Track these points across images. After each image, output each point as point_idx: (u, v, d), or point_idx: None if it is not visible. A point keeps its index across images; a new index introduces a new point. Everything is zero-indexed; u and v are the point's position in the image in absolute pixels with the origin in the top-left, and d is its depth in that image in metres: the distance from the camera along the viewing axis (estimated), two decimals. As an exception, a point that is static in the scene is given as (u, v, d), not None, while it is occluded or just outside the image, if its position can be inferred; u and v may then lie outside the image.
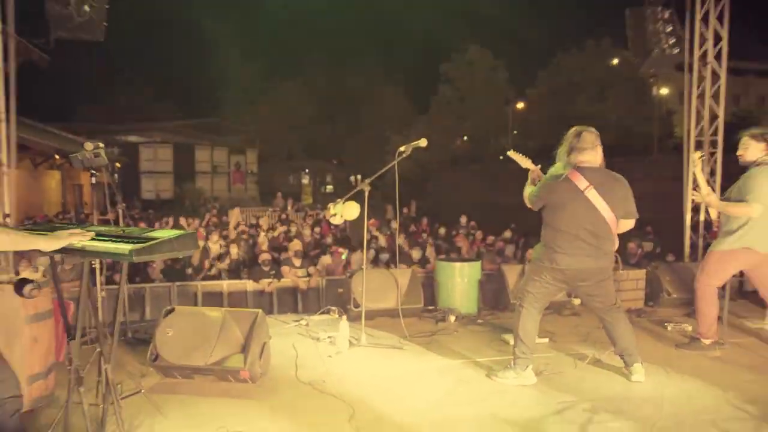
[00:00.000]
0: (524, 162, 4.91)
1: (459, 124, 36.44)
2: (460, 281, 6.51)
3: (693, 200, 8.56)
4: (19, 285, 2.81)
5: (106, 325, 4.42)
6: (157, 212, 21.82)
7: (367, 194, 5.40)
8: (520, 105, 37.22)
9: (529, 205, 4.62)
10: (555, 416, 3.95)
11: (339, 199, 5.53)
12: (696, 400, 4.25)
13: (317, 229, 13.97)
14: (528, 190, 4.67)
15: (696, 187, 5.69)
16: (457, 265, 6.60)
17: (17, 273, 3.86)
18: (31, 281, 2.83)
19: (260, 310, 4.75)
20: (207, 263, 10.49)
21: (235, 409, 4.06)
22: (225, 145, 39.21)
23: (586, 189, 4.28)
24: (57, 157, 19.29)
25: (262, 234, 13.49)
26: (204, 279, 10.07)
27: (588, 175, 4.31)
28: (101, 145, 4.54)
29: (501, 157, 37.46)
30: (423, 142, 5.23)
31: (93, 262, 4.51)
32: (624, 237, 4.73)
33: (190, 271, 10.31)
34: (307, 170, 48.92)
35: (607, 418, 3.91)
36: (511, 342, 5.37)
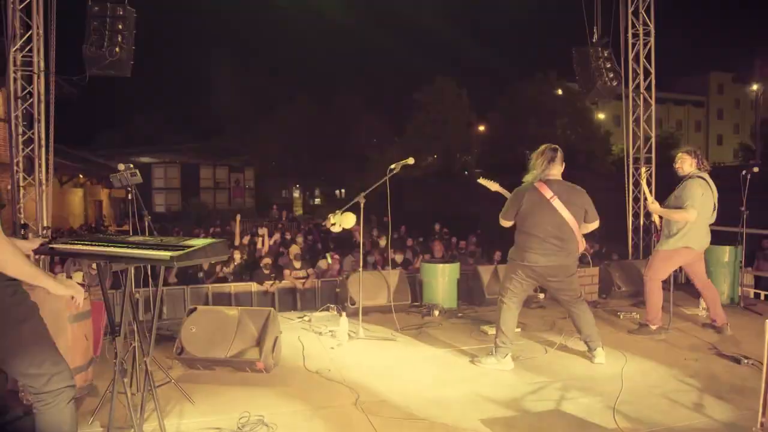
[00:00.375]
0: (493, 186, 4.99)
1: (429, 144, 36.57)
2: (442, 280, 6.51)
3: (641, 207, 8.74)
4: (71, 289, 2.75)
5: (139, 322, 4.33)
6: (169, 224, 21.57)
7: (362, 206, 5.38)
8: (482, 127, 37.52)
9: (503, 223, 4.60)
10: (533, 395, 3.96)
11: (338, 210, 5.50)
12: (648, 376, 4.29)
13: (309, 237, 13.90)
14: (500, 214, 4.66)
15: (646, 198, 5.78)
16: (440, 266, 6.60)
17: (69, 278, 3.77)
18: (81, 284, 2.77)
19: (272, 309, 4.70)
20: (218, 267, 10.36)
21: (253, 396, 3.98)
22: (226, 164, 39.01)
23: (552, 198, 4.33)
24: (81, 176, 19.01)
25: (259, 240, 13.37)
26: (213, 282, 9.94)
27: (553, 187, 4.37)
28: (132, 166, 4.48)
29: (465, 172, 37.78)
30: (410, 161, 5.24)
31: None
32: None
33: (201, 274, 10.18)
34: (297, 185, 48.69)
35: (577, 395, 3.93)
36: (490, 332, 5.41)
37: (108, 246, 2.82)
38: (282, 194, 46.11)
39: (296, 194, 48.82)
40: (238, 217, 15.73)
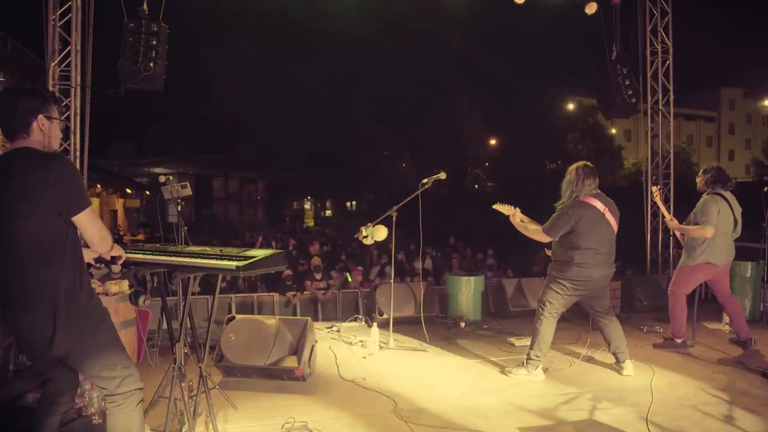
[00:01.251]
0: (507, 210, 4.90)
1: (440, 157, 36.73)
2: (467, 292, 6.62)
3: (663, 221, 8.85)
4: (135, 295, 2.90)
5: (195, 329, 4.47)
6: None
7: (394, 219, 5.51)
8: (493, 141, 37.65)
9: (547, 237, 4.57)
10: (565, 405, 4.06)
11: (370, 223, 5.63)
12: (678, 389, 4.38)
13: (325, 247, 14.05)
14: (531, 227, 4.71)
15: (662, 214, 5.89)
16: (465, 278, 6.72)
17: (131, 286, 3.92)
18: (144, 292, 2.91)
19: (309, 318, 4.83)
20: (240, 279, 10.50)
21: (294, 403, 4.11)
22: (238, 176, 39.32)
23: (605, 212, 4.48)
24: (98, 186, 19.28)
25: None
26: (236, 292, 10.08)
27: (602, 200, 4.51)
28: (171, 177, 4.65)
29: (476, 186, 37.88)
30: (443, 175, 5.38)
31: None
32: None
33: (224, 284, 10.34)
34: (309, 197, 48.92)
35: (608, 405, 4.03)
36: (517, 344, 5.52)
37: (170, 256, 2.97)
38: (293, 206, 46.34)
39: (307, 206, 49.04)
40: (260, 238, 15.99)
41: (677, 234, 5.69)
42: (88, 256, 2.90)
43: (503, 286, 6.91)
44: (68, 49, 6.77)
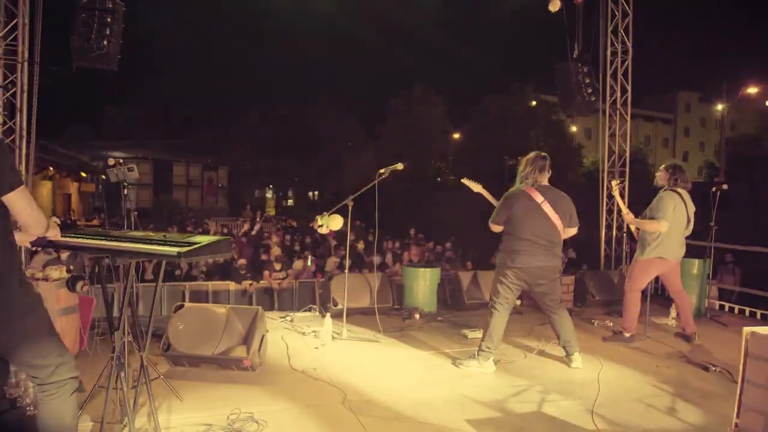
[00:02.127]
0: (476, 187, 5.10)
1: (404, 150, 36.74)
2: (423, 284, 6.61)
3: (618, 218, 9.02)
4: (73, 281, 2.76)
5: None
6: (140, 220, 21.21)
7: (350, 209, 5.45)
8: (457, 135, 37.86)
9: (493, 228, 4.69)
10: (514, 397, 4.08)
11: (325, 212, 5.55)
12: (624, 382, 4.46)
13: (287, 237, 13.88)
14: (490, 219, 4.76)
15: (619, 209, 5.99)
16: (421, 270, 6.71)
17: (69, 271, 3.74)
18: (83, 278, 2.78)
19: (260, 308, 4.74)
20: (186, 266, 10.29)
21: (241, 394, 4.02)
22: (199, 162, 38.55)
23: (542, 203, 4.50)
24: (51, 168, 18.60)
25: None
26: (185, 280, 9.87)
27: (543, 192, 4.53)
28: (121, 161, 4.47)
29: (438, 179, 38.04)
30: (400, 166, 5.34)
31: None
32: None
33: (178, 272, 10.11)
34: (271, 186, 48.31)
35: (557, 398, 4.07)
36: (470, 336, 5.54)
37: (111, 240, 2.84)
38: (255, 194, 45.70)
39: (269, 195, 48.46)
40: (212, 222, 15.67)
41: (632, 228, 5.79)
42: (23, 239, 2.75)
43: (459, 279, 6.93)
44: (15, 21, 6.44)
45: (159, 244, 2.68)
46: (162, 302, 8.66)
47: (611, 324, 6.18)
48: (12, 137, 6.48)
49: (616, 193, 6.55)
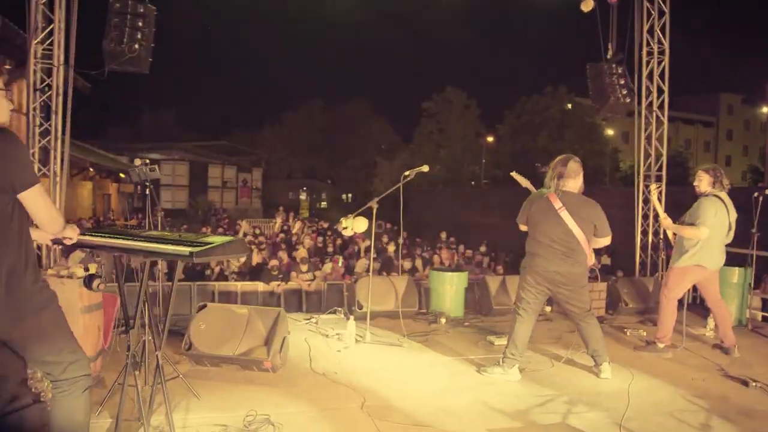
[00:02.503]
0: (524, 182, 5.02)
1: (437, 152, 36.58)
2: (450, 288, 6.50)
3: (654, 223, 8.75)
4: (89, 280, 2.76)
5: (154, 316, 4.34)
6: (176, 220, 21.63)
7: (375, 211, 5.38)
8: (490, 138, 37.50)
9: (519, 225, 4.62)
10: (539, 407, 3.95)
11: (350, 214, 5.50)
12: (655, 394, 4.27)
13: (320, 239, 13.92)
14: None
15: (656, 214, 5.78)
16: (448, 274, 6.59)
17: (86, 269, 3.78)
18: (99, 276, 2.78)
19: (282, 309, 4.71)
20: (225, 266, 10.39)
21: (259, 396, 3.99)
22: (234, 164, 39.09)
23: (560, 209, 4.35)
24: (91, 169, 19.10)
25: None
26: (218, 280, 9.97)
27: (564, 198, 4.38)
28: (148, 161, 4.51)
29: (473, 183, 37.72)
30: (425, 168, 5.27)
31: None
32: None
33: (208, 272, 10.21)
34: (304, 188, 48.73)
35: (583, 409, 3.92)
36: (496, 342, 5.40)
37: (127, 239, 2.83)
38: (289, 196, 46.13)
39: (303, 197, 48.86)
40: (245, 222, 15.84)
41: (669, 234, 5.57)
42: (43, 237, 2.76)
43: (487, 283, 6.79)
44: (51, 27, 6.59)
45: (173, 244, 2.66)
46: (191, 301, 8.76)
47: (644, 333, 5.95)
48: (48, 138, 6.65)
49: (654, 197, 6.32)
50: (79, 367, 2.49)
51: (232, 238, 2.76)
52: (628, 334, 6.04)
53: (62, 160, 6.59)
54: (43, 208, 2.43)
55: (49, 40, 6.61)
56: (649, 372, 4.74)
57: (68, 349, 2.49)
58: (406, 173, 5.29)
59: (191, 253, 2.52)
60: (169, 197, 33.88)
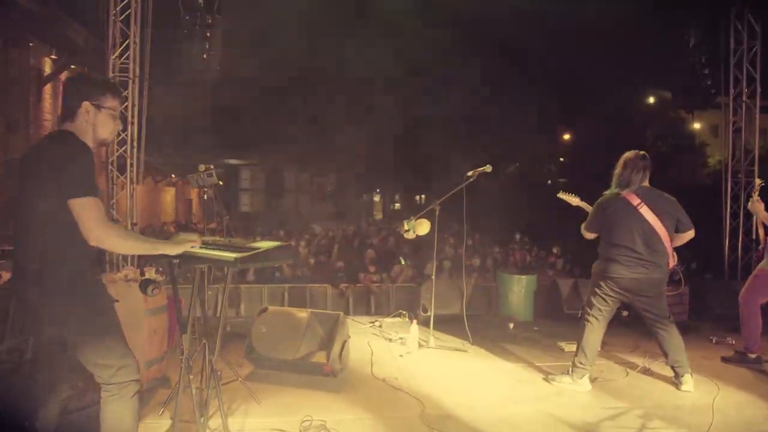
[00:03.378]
0: (573, 201, 4.77)
1: (512, 152, 35.72)
2: (518, 291, 6.26)
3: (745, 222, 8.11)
4: (144, 285, 2.81)
5: (208, 320, 4.42)
6: (253, 223, 22.29)
7: (437, 213, 5.25)
8: (567, 136, 36.24)
9: (586, 235, 4.37)
10: (610, 421, 3.67)
11: (412, 217, 5.39)
12: (745, 411, 3.88)
13: (392, 239, 13.90)
14: (583, 225, 4.44)
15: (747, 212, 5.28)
16: (516, 277, 6.35)
17: (142, 274, 3.90)
18: (153, 281, 2.82)
19: (341, 312, 4.66)
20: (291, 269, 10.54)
21: (317, 401, 3.95)
22: (308, 170, 40.02)
23: (639, 205, 4.05)
24: (173, 176, 20.07)
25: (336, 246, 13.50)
26: (288, 282, 10.11)
27: (640, 193, 4.09)
28: (211, 167, 4.61)
29: (549, 182, 36.56)
30: (488, 168, 5.08)
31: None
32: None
33: (278, 274, 10.39)
34: (378, 190, 48.98)
35: (660, 425, 3.60)
36: (566, 349, 5.12)
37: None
38: (363, 198, 46.53)
39: (376, 198, 49.14)
40: (318, 227, 16.02)
41: (761, 232, 5.09)
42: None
43: (558, 287, 6.48)
44: (127, 41, 6.92)
45: (221, 250, 2.65)
46: (263, 303, 8.93)
47: (733, 342, 5.46)
48: (124, 147, 6.98)
49: (755, 194, 5.79)
50: (128, 372, 2.52)
51: (279, 243, 2.73)
52: (714, 342, 5.57)
53: (138, 168, 6.90)
54: (86, 221, 2.37)
55: (126, 55, 6.94)
56: (738, 385, 4.32)
57: (119, 353, 2.52)
58: (469, 173, 5.12)
59: (236, 259, 2.50)
60: (247, 201, 35.21)
